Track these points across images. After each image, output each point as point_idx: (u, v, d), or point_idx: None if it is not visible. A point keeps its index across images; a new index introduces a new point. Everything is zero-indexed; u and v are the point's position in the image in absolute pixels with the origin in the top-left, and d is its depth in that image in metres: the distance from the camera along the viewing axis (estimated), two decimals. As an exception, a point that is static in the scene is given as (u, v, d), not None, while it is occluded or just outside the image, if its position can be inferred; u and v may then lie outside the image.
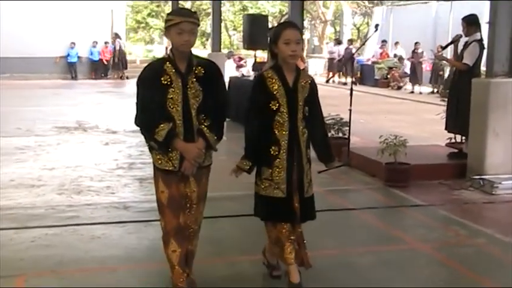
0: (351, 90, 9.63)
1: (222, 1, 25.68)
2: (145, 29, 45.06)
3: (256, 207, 4.76)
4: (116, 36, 30.31)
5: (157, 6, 42.51)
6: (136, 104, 4.34)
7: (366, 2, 39.69)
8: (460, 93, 9.18)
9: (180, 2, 30.20)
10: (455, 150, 9.67)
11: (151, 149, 4.42)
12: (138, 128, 4.40)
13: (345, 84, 25.62)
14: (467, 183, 8.39)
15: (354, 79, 27.20)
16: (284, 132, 4.53)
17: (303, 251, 4.70)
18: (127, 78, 29.60)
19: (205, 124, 4.38)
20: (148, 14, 43.38)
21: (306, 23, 42.70)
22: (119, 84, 26.76)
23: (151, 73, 4.35)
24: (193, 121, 4.34)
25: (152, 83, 4.28)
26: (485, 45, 9.02)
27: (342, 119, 10.00)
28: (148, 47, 42.83)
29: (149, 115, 4.28)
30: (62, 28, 28.50)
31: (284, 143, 4.53)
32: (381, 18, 33.33)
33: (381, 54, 29.15)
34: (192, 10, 4.67)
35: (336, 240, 6.11)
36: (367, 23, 41.81)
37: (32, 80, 27.34)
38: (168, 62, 4.35)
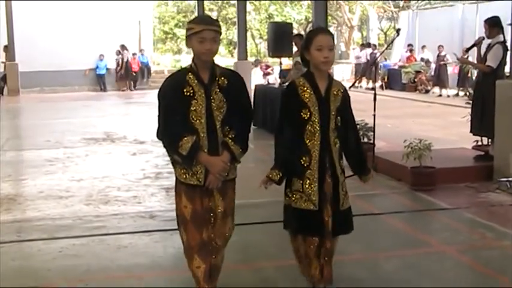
0: (375, 95, 9.62)
1: (248, 10, 25.79)
2: (173, 39, 45.36)
3: (286, 220, 4.54)
4: (123, 48, 29.91)
5: (184, 16, 42.74)
6: (158, 116, 4.22)
7: (392, 7, 39.50)
8: (484, 95, 9.15)
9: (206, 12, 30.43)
10: (482, 153, 9.60)
11: (174, 163, 4.27)
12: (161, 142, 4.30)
13: (372, 89, 25.52)
14: (493, 186, 8.35)
15: (382, 83, 27.53)
16: (315, 142, 4.32)
17: (328, 267, 4.47)
18: (135, 88, 30.02)
19: (230, 136, 4.22)
20: (176, 25, 43.65)
21: (332, 29, 42.73)
22: (146, 95, 26.91)
23: (173, 84, 4.22)
24: (218, 133, 4.20)
25: (174, 95, 4.15)
26: (509, 47, 8.99)
27: (366, 124, 9.99)
28: (176, 57, 43.03)
29: (172, 128, 4.15)
30: (90, 40, 28.77)
31: (315, 153, 4.32)
32: (407, 22, 33.28)
33: (408, 58, 29.01)
34: (214, 18, 4.51)
35: (363, 245, 6.05)
36: (394, 27, 41.60)
37: (61, 92, 27.71)
38: (190, 73, 4.20)
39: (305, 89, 4.32)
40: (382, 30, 46.51)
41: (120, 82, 30.23)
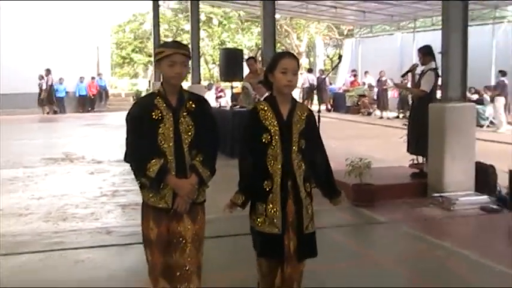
0: (319, 117, 9.75)
1: (202, 37, 25.96)
2: (130, 64, 45.20)
3: (253, 241, 4.30)
4: (48, 72, 28.87)
5: (141, 42, 42.72)
6: (127, 139, 4.03)
7: (337, 34, 40.10)
8: (419, 117, 9.36)
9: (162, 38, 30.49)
10: (417, 171, 9.82)
11: (142, 186, 4.05)
12: (129, 165, 4.06)
13: (319, 111, 25.80)
14: (428, 201, 8.56)
15: (327, 106, 27.88)
16: (277, 167, 4.09)
17: None
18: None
19: (198, 159, 4.04)
20: (133, 50, 43.53)
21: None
22: (104, 117, 26.76)
23: (141, 108, 4.04)
24: (186, 156, 4.02)
25: (143, 119, 3.97)
26: (440, 73, 9.25)
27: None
28: (133, 81, 42.95)
29: (140, 151, 3.96)
30: (50, 64, 28.58)
31: (277, 177, 4.09)
32: (350, 49, 33.81)
33: (352, 82, 29.50)
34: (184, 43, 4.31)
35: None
36: (339, 54, 42.26)
37: (20, 115, 27.32)
38: (158, 97, 4.03)
39: (266, 113, 4.12)
40: (328, 56, 47.07)
41: (43, 106, 29.10)
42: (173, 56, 3.95)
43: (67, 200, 8.98)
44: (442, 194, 8.46)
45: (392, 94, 25.83)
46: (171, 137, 3.97)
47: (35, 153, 14.06)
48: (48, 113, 28.92)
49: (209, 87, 27.06)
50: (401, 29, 29.36)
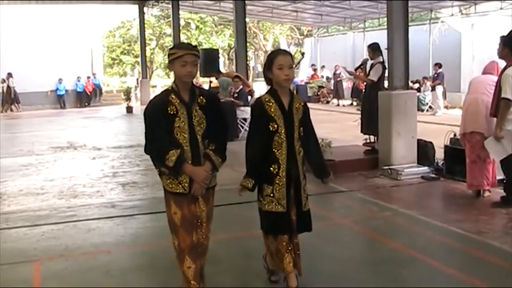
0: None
1: (181, 39, 25.97)
2: (119, 64, 44.85)
3: (261, 221, 4.29)
4: (9, 75, 27.65)
5: (129, 45, 42.47)
6: (146, 134, 3.93)
7: (298, 34, 40.25)
8: (370, 103, 9.61)
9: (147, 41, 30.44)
10: (370, 148, 10.10)
11: (161, 174, 3.98)
12: (149, 156, 4.00)
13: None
14: (378, 173, 8.80)
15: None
16: (283, 152, 4.08)
17: (299, 260, 4.28)
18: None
19: (210, 148, 3.97)
20: (121, 52, 43.17)
21: (250, 54, 43.15)
22: (99, 111, 26.69)
23: (157, 104, 3.93)
24: (200, 146, 3.94)
25: (159, 114, 3.88)
26: (386, 66, 9.48)
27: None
28: (122, 79, 42.72)
29: (159, 143, 3.87)
30: (50, 66, 28.55)
31: (283, 161, 4.08)
32: (310, 47, 34.00)
33: (312, 75, 29.73)
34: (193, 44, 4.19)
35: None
36: (300, 51, 42.42)
37: (27, 111, 27.23)
38: (172, 93, 3.93)
39: (271, 104, 4.09)
40: (301, 53, 47.07)
41: (3, 105, 28.15)
42: (185, 57, 3.87)
43: (75, 181, 9.10)
44: (390, 167, 8.69)
45: (347, 85, 26.13)
46: (186, 129, 3.89)
47: (43, 143, 14.12)
48: (6, 110, 28.00)
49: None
50: (353, 29, 29.58)
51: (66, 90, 30.09)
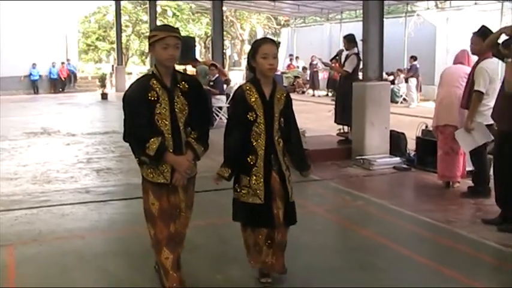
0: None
1: (158, 26, 25.83)
2: (95, 50, 44.42)
3: (235, 213, 4.15)
4: None
5: (104, 31, 42.06)
6: (125, 120, 3.77)
7: (275, 24, 40.27)
8: (344, 93, 9.68)
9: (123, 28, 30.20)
10: (343, 138, 10.20)
11: (141, 163, 3.82)
12: (128, 144, 3.85)
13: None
14: (352, 162, 8.90)
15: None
16: (261, 142, 3.96)
17: (281, 258, 4.14)
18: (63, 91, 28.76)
19: (192, 136, 3.84)
20: (97, 38, 42.72)
21: (227, 43, 43.09)
22: (74, 97, 26.43)
23: (138, 90, 3.76)
24: (182, 134, 3.81)
25: (139, 100, 3.71)
26: (361, 57, 9.58)
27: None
28: (98, 65, 42.32)
29: (139, 131, 3.70)
30: (24, 51, 28.16)
31: (261, 152, 3.96)
32: (287, 37, 34.05)
33: (288, 66, 29.80)
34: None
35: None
36: (278, 41, 42.47)
37: (1, 96, 26.89)
38: (153, 78, 3.76)
39: (251, 93, 3.95)
40: (279, 42, 47.02)
41: None
42: (166, 39, 3.70)
43: (49, 166, 9.07)
44: (363, 157, 8.78)
45: (323, 76, 26.25)
46: (168, 116, 3.74)
47: (17, 128, 13.99)
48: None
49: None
50: (330, 20, 29.65)
51: (40, 76, 29.71)
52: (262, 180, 3.97)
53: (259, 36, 40.99)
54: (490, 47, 5.86)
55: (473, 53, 6.84)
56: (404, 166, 8.57)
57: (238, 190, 4.05)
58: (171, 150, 3.75)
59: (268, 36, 44.37)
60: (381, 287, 4.31)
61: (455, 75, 7.16)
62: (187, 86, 3.87)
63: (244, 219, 4.10)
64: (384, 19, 9.18)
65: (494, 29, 6.26)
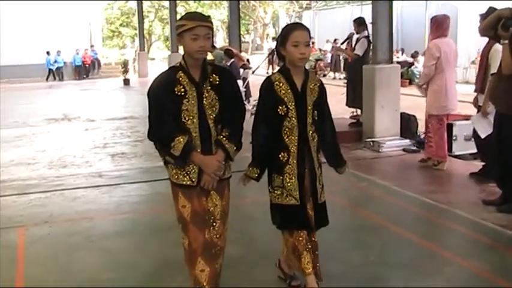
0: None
1: (179, 11, 26.07)
2: (119, 36, 44.92)
3: (272, 216, 3.80)
4: None
5: (127, 17, 42.47)
6: (149, 117, 3.41)
7: (297, 7, 40.17)
8: (355, 76, 9.75)
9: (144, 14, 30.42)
10: (354, 121, 10.26)
11: (166, 163, 3.47)
12: (152, 143, 3.49)
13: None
14: (361, 145, 8.96)
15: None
16: (293, 138, 3.60)
17: (316, 262, 3.79)
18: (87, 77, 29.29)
19: (224, 134, 3.42)
20: (121, 24, 43.28)
21: (250, 27, 43.18)
22: (97, 83, 26.83)
23: (163, 84, 3.39)
24: (211, 132, 3.40)
25: (165, 95, 3.35)
26: (371, 40, 9.58)
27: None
28: (122, 51, 42.77)
29: (164, 129, 3.35)
30: (49, 39, 28.66)
31: (294, 148, 3.61)
32: (309, 20, 33.99)
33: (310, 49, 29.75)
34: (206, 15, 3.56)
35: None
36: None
37: (26, 83, 27.35)
38: (180, 71, 3.38)
39: (281, 84, 3.59)
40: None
41: None
42: (196, 29, 3.29)
43: (66, 151, 9.33)
44: (373, 139, 8.83)
45: (347, 58, 26.19)
46: (195, 112, 3.36)
47: (38, 115, 14.32)
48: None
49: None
50: (351, 2, 29.58)
51: (65, 63, 30.23)
52: (296, 179, 3.64)
53: (282, 19, 40.97)
54: (487, 30, 5.87)
55: (481, 35, 6.81)
56: (414, 148, 8.60)
57: (271, 191, 3.72)
58: (198, 150, 3.37)
59: (292, 19, 44.34)
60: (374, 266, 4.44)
61: (452, 54, 7.20)
62: (218, 79, 3.45)
63: (280, 222, 3.76)
64: (405, 1, 9.16)
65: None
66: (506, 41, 5.43)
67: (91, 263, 4.61)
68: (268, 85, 3.63)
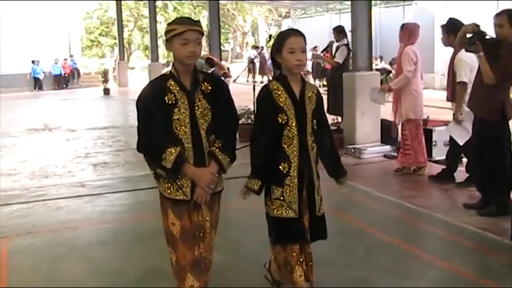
0: (254, 86, 10.27)
1: (159, 21, 26.09)
2: (98, 46, 44.75)
3: (269, 229, 3.65)
4: None
5: (106, 27, 42.32)
6: (138, 128, 3.23)
7: (276, 16, 40.36)
8: (336, 84, 9.85)
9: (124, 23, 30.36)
10: (336, 128, 10.29)
11: (157, 177, 3.30)
12: (142, 155, 3.31)
13: (262, 82, 26.28)
14: (343, 151, 8.89)
15: (269, 77, 28.21)
16: (294, 148, 3.48)
17: (310, 273, 3.69)
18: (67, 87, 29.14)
19: (217, 145, 3.28)
20: (100, 34, 43.12)
21: (229, 35, 43.26)
22: (76, 93, 26.69)
23: (153, 92, 3.24)
24: (203, 143, 3.26)
25: (155, 104, 3.19)
26: (351, 48, 9.70)
27: (249, 109, 10.50)
28: (101, 61, 42.61)
29: (154, 140, 3.18)
30: (28, 49, 28.40)
31: (294, 159, 3.48)
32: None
33: (289, 57, 29.85)
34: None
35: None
36: (269, 34, 42.64)
37: (7, 93, 27.08)
38: (171, 79, 3.24)
39: (279, 92, 3.48)
40: (269, 35, 47.31)
41: None
42: (186, 34, 3.16)
43: (47, 161, 9.26)
44: (354, 146, 8.90)
45: (325, 66, 26.35)
46: (187, 122, 3.23)
47: (19, 125, 14.21)
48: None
49: (167, 64, 27.15)
50: (329, 11, 29.81)
51: (44, 73, 30.00)
52: (296, 190, 3.52)
53: (261, 28, 41.12)
54: (461, 45, 6.01)
55: (445, 45, 7.00)
56: (394, 154, 8.62)
57: (269, 203, 3.57)
58: (191, 162, 3.23)
59: (272, 27, 44.53)
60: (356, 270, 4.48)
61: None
62: (210, 88, 3.31)
63: (276, 236, 3.61)
64: (382, 8, 9.31)
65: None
66: (481, 53, 5.56)
67: (75, 272, 4.59)
68: (266, 94, 3.51)
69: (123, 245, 5.19)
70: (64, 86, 30.61)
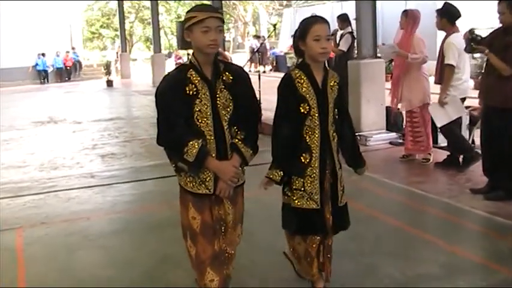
0: (259, 76, 10.31)
1: (160, 12, 26.03)
2: (99, 38, 44.73)
3: (285, 220, 3.60)
4: None
5: (108, 19, 42.28)
6: (158, 120, 3.14)
7: (277, 5, 40.25)
8: (340, 72, 9.79)
9: (126, 14, 30.31)
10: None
11: (178, 170, 3.20)
12: (163, 148, 3.22)
13: (264, 72, 26.28)
14: None
15: (271, 67, 28.25)
16: (315, 138, 3.40)
17: (328, 265, 3.68)
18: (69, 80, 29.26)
19: (239, 138, 3.19)
20: (101, 26, 43.06)
21: (230, 25, 43.18)
22: (79, 85, 26.71)
23: (173, 83, 3.12)
24: (226, 135, 3.15)
25: (175, 95, 3.07)
26: (355, 36, 9.73)
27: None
28: (103, 53, 42.59)
29: (176, 132, 3.08)
30: (30, 42, 28.38)
31: (316, 149, 3.41)
32: (289, 18, 34.09)
33: (291, 46, 29.79)
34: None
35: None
36: (281, 22, 42.53)
37: (9, 87, 27.14)
38: (191, 69, 3.12)
39: (302, 81, 3.38)
40: (272, 25, 47.15)
41: None
42: (207, 21, 3.03)
43: (56, 153, 9.33)
44: (360, 133, 8.83)
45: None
46: (209, 114, 3.10)
47: (24, 118, 14.29)
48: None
49: (169, 55, 27.30)
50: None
51: (52, 66, 30.06)
52: (317, 181, 3.45)
53: (262, 18, 41.04)
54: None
55: (439, 29, 7.06)
56: (400, 141, 8.66)
57: (290, 194, 3.51)
58: (213, 155, 3.13)
59: (273, 17, 44.42)
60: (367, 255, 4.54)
61: None
62: (231, 78, 3.20)
63: (296, 227, 3.56)
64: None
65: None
66: (487, 51, 5.67)
67: (91, 261, 4.66)
68: (289, 82, 3.41)
69: (135, 234, 5.25)
70: (67, 78, 30.62)
